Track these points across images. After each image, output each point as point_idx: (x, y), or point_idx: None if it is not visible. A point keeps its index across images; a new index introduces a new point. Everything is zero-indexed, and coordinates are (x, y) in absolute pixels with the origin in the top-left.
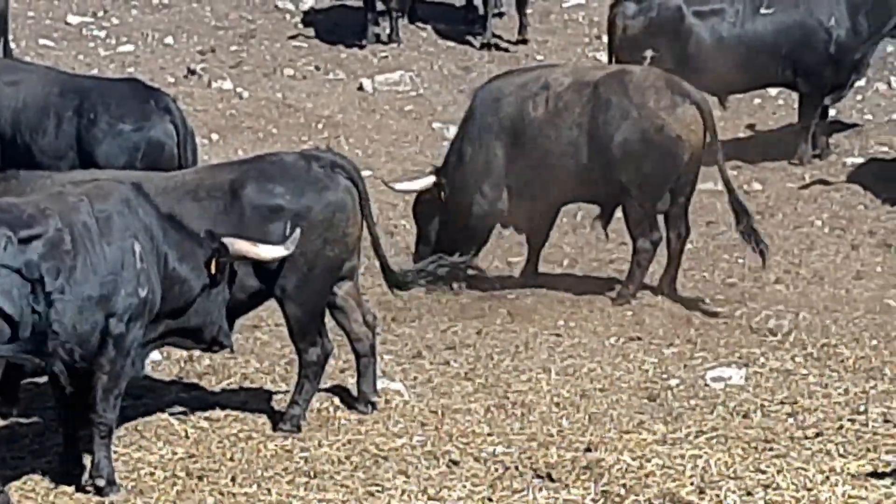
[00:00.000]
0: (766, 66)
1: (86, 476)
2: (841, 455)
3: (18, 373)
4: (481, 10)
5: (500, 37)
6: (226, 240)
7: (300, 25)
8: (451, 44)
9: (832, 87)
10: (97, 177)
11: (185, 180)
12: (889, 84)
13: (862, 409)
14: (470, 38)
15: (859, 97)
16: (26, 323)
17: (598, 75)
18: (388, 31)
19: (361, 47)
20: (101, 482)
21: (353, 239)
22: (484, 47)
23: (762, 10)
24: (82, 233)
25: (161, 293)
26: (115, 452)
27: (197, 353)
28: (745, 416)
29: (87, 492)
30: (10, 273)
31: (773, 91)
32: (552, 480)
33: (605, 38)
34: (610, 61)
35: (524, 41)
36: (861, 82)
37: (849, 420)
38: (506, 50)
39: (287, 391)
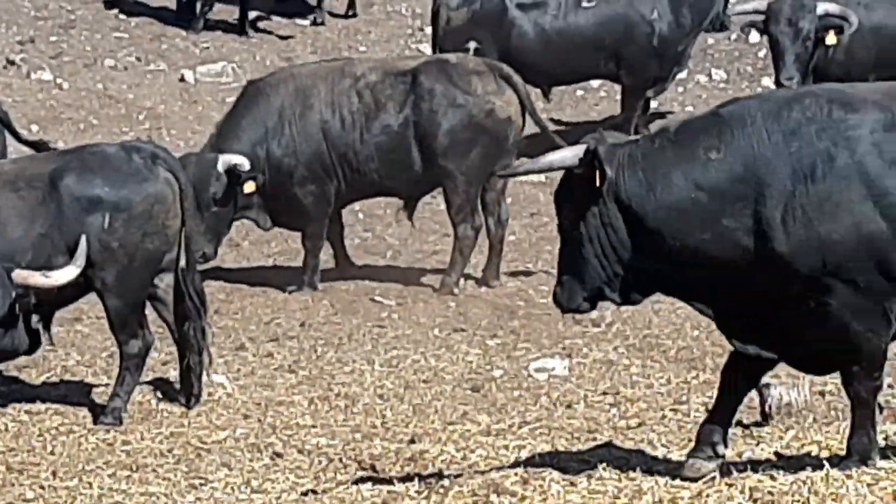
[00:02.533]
0: (588, 59)
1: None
2: (663, 445)
3: None
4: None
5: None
6: (16, 274)
7: (121, 16)
8: (273, 34)
9: (654, 79)
10: None
11: (3, 170)
12: (710, 76)
13: (684, 399)
14: (293, 28)
15: (681, 89)
16: None
17: (413, 65)
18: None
19: (186, 36)
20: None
21: (173, 231)
22: (316, 25)
23: (584, 4)
24: None
25: None
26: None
27: None
28: (568, 407)
29: None
30: None
31: (595, 83)
32: (376, 472)
33: (428, 30)
34: (434, 53)
35: (354, 14)
36: (682, 74)
37: (671, 410)
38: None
39: (108, 384)
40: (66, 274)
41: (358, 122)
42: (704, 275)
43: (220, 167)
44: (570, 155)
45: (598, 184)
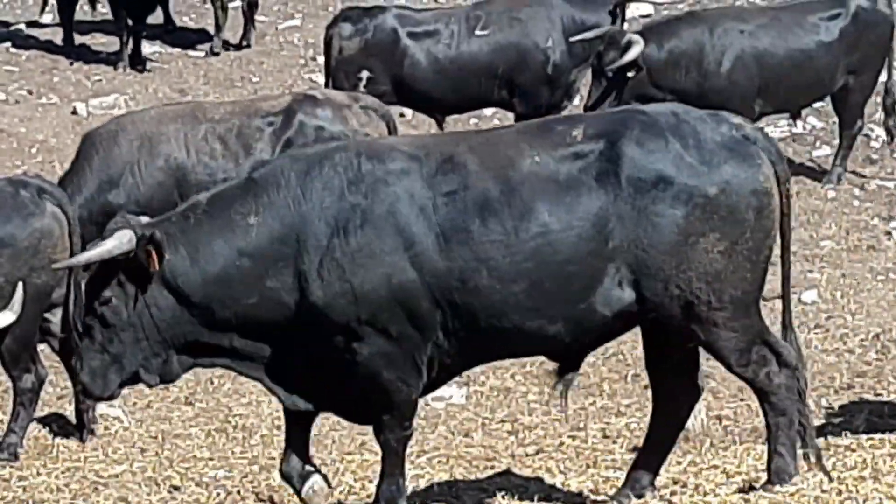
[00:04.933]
0: (482, 87)
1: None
2: (561, 472)
3: None
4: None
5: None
6: None
7: (12, 49)
8: (166, 66)
9: (547, 107)
10: None
11: None
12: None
13: (581, 425)
14: (185, 59)
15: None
16: None
17: (282, 103)
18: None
19: (78, 69)
20: None
21: None
22: (212, 55)
23: (478, 32)
24: None
25: None
26: None
27: None
28: (466, 435)
29: None
30: None
31: (488, 111)
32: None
33: (321, 60)
34: (326, 83)
35: (248, 45)
36: (576, 102)
37: (569, 437)
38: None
39: (3, 420)
40: (3, 319)
41: (221, 167)
42: (256, 338)
43: None
44: (118, 243)
45: (153, 268)
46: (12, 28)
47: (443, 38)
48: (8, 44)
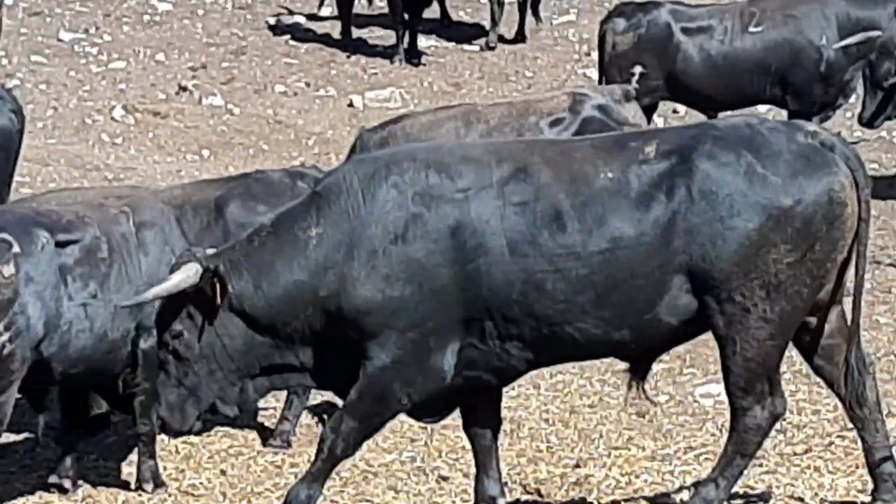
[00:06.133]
0: (754, 84)
1: (133, 483)
2: (830, 471)
3: (47, 378)
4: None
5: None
6: None
7: (291, 42)
8: (442, 60)
9: (821, 105)
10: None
11: (172, 195)
12: None
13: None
14: (460, 54)
15: (849, 114)
16: (54, 326)
17: (557, 105)
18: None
19: (355, 62)
20: (149, 486)
21: None
22: (488, 49)
23: (751, 28)
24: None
25: None
26: (103, 468)
27: None
28: None
29: None
30: (44, 276)
31: (762, 108)
32: (541, 496)
33: (594, 55)
34: (600, 78)
35: (523, 40)
36: (852, 99)
37: (838, 437)
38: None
39: (277, 407)
40: None
41: None
42: (321, 350)
43: None
44: (185, 276)
45: (218, 301)
46: (292, 21)
47: (716, 33)
48: (287, 36)
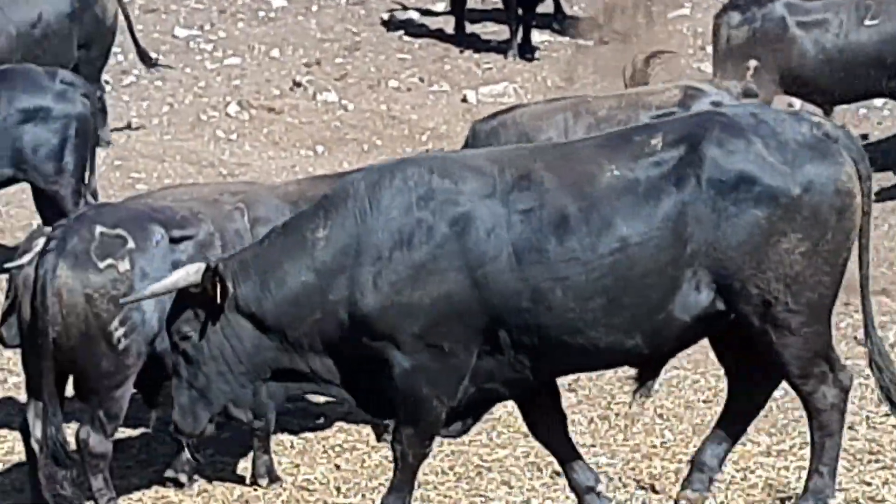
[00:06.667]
0: (870, 77)
1: (248, 478)
2: None
3: (161, 374)
4: None
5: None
6: None
7: (405, 37)
8: (555, 54)
9: None
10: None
11: (287, 191)
12: None
13: None
14: (575, 48)
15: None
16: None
17: (669, 99)
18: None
19: (469, 57)
20: (264, 481)
21: None
22: (602, 44)
23: (867, 21)
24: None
25: None
26: (219, 462)
27: None
28: (850, 428)
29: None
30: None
31: (878, 102)
32: (655, 492)
33: (709, 49)
34: (714, 72)
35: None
36: None
37: None
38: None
39: None
40: None
41: None
42: (331, 355)
43: None
44: (184, 275)
45: (218, 301)
46: (406, 17)
47: (831, 27)
48: (401, 31)
